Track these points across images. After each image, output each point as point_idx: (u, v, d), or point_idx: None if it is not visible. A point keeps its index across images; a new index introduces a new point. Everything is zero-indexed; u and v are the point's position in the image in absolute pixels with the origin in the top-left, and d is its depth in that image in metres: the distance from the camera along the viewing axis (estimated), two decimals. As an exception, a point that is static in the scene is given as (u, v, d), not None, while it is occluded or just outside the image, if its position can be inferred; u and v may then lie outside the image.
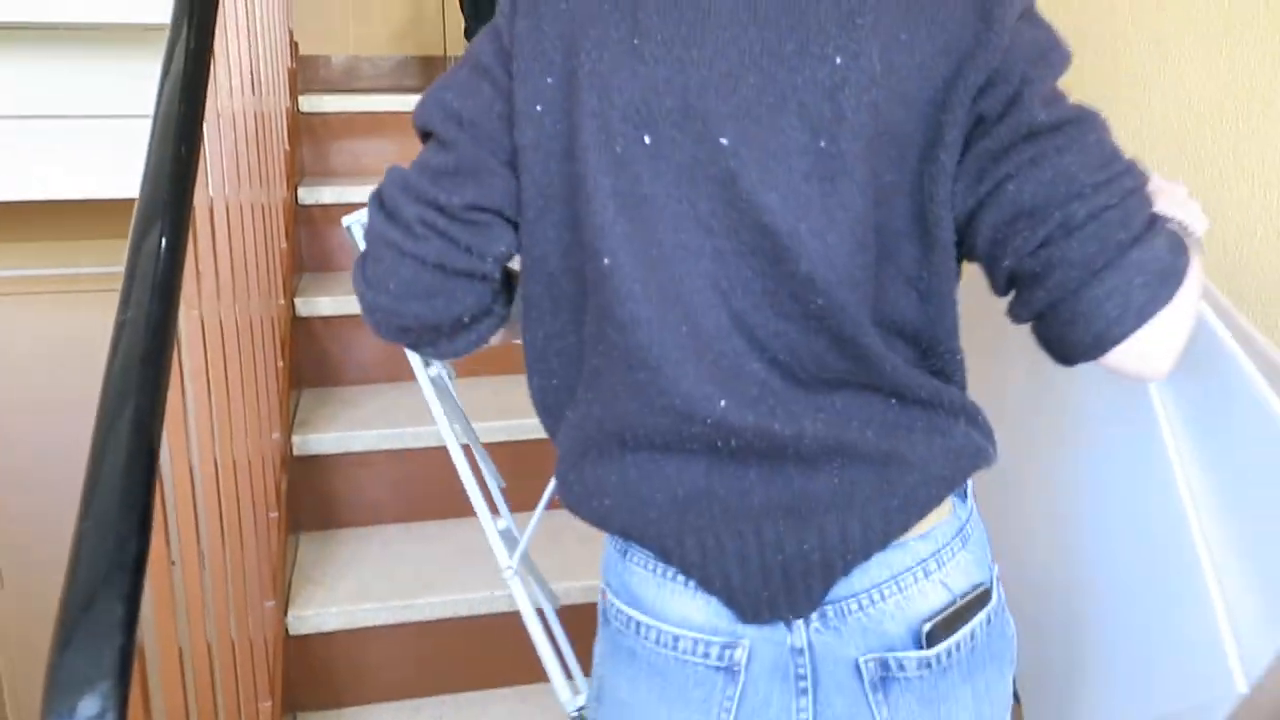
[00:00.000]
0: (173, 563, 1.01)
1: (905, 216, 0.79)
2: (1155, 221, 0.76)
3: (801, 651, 0.84)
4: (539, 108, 0.82)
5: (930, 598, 0.83)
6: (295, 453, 1.96)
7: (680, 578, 0.86)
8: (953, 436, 0.82)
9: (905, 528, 0.82)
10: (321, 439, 1.97)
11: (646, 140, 0.80)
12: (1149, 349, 0.75)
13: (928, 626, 0.82)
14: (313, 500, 2.01)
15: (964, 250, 0.82)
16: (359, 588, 1.81)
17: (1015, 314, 0.80)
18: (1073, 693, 1.18)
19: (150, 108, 1.24)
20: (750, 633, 0.84)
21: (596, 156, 0.80)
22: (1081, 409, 1.15)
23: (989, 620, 0.86)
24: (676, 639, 0.85)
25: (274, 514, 1.74)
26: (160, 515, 0.91)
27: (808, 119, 0.77)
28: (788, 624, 0.84)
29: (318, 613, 1.74)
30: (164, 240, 1.10)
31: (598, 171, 0.80)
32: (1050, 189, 0.74)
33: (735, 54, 0.79)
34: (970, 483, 0.88)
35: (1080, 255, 0.73)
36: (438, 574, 1.86)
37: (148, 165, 1.16)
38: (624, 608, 0.88)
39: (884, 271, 0.80)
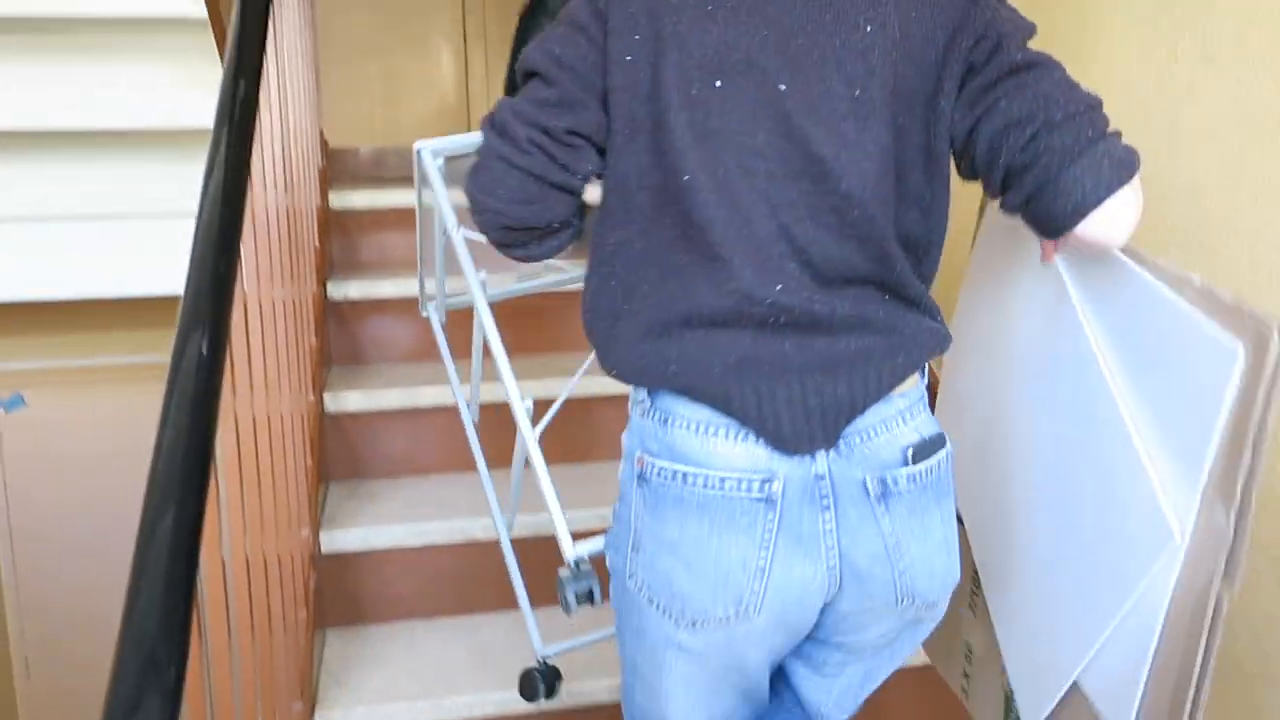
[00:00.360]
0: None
1: (915, 149, 1.05)
2: (1112, 130, 1.00)
3: (823, 477, 1.05)
4: (629, 57, 1.04)
5: (908, 435, 1.08)
6: (323, 550, 1.97)
7: (721, 431, 1.04)
8: (928, 323, 1.09)
9: (903, 379, 1.07)
10: (347, 535, 1.98)
11: (717, 85, 1.02)
12: (1114, 214, 0.98)
13: (911, 451, 1.07)
14: (337, 595, 2.01)
15: (965, 166, 1.08)
16: (385, 687, 1.80)
17: (1009, 204, 1.04)
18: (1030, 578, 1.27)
19: (181, 207, 1.27)
20: (783, 467, 1.04)
21: (677, 97, 1.02)
22: (1023, 331, 1.27)
23: (947, 458, 1.11)
24: (723, 480, 1.03)
25: (302, 612, 1.74)
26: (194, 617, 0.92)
27: (844, 73, 1.02)
28: (812, 456, 1.04)
29: (345, 714, 1.73)
30: (203, 349, 1.12)
31: (678, 108, 1.02)
32: (1033, 103, 1.00)
33: (788, 21, 1.03)
34: (928, 365, 1.12)
35: (1060, 144, 0.98)
36: (461, 673, 1.85)
37: (189, 279, 1.19)
38: (668, 464, 1.05)
39: (897, 192, 1.05)
